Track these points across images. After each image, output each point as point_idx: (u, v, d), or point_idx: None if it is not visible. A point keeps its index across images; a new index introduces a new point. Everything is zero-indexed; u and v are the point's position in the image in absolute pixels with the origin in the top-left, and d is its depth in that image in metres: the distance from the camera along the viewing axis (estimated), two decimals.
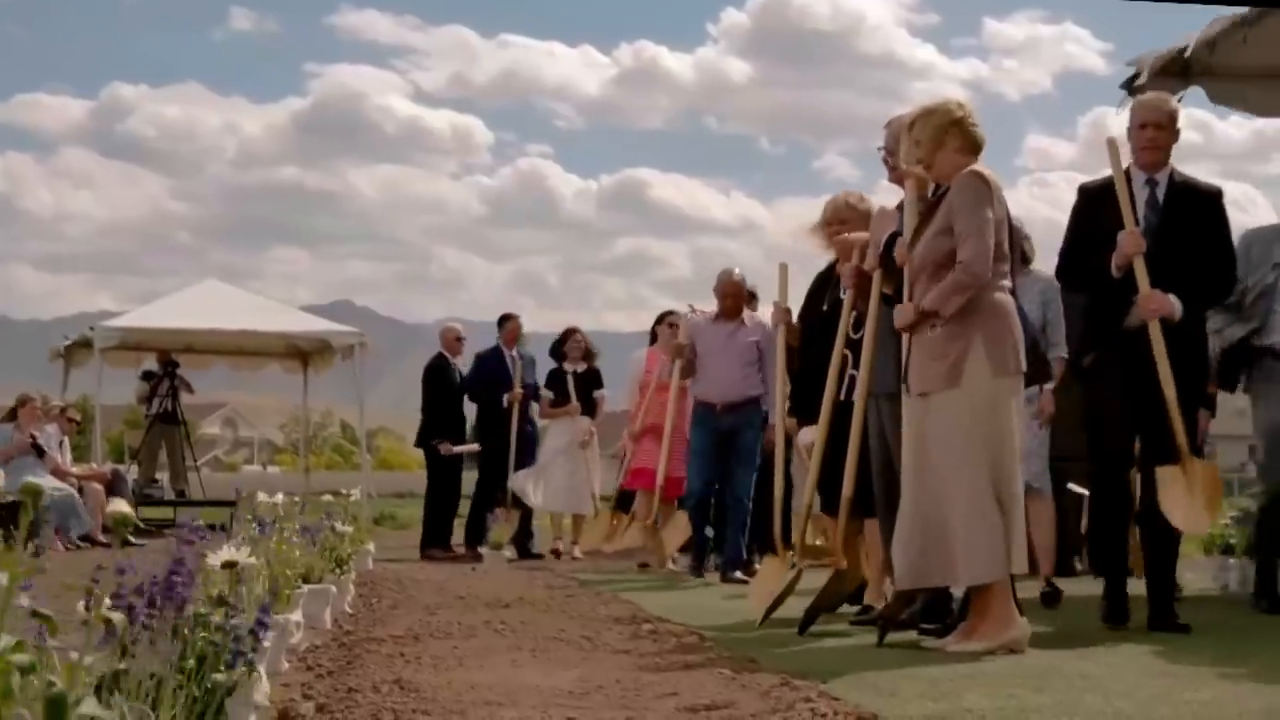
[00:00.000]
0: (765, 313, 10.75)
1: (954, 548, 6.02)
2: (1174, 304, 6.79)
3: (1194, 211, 7.01)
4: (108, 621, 2.13)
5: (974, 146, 6.31)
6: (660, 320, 12.81)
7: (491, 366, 14.54)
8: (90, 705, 1.82)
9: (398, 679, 5.38)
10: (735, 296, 11.10)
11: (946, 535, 6.06)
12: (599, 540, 12.93)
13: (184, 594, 2.72)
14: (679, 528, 11.66)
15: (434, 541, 14.57)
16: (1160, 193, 7.08)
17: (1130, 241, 6.80)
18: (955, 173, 6.27)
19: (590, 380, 14.24)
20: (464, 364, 15.10)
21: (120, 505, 2.36)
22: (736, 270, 11.26)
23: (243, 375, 25.01)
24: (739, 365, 10.94)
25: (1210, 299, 7.16)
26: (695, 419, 11.10)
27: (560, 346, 14.34)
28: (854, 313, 7.35)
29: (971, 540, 5.95)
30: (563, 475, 13.89)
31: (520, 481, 13.96)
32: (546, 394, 14.21)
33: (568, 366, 14.24)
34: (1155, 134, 7.08)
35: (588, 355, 14.29)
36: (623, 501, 12.95)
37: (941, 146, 6.29)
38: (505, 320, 14.78)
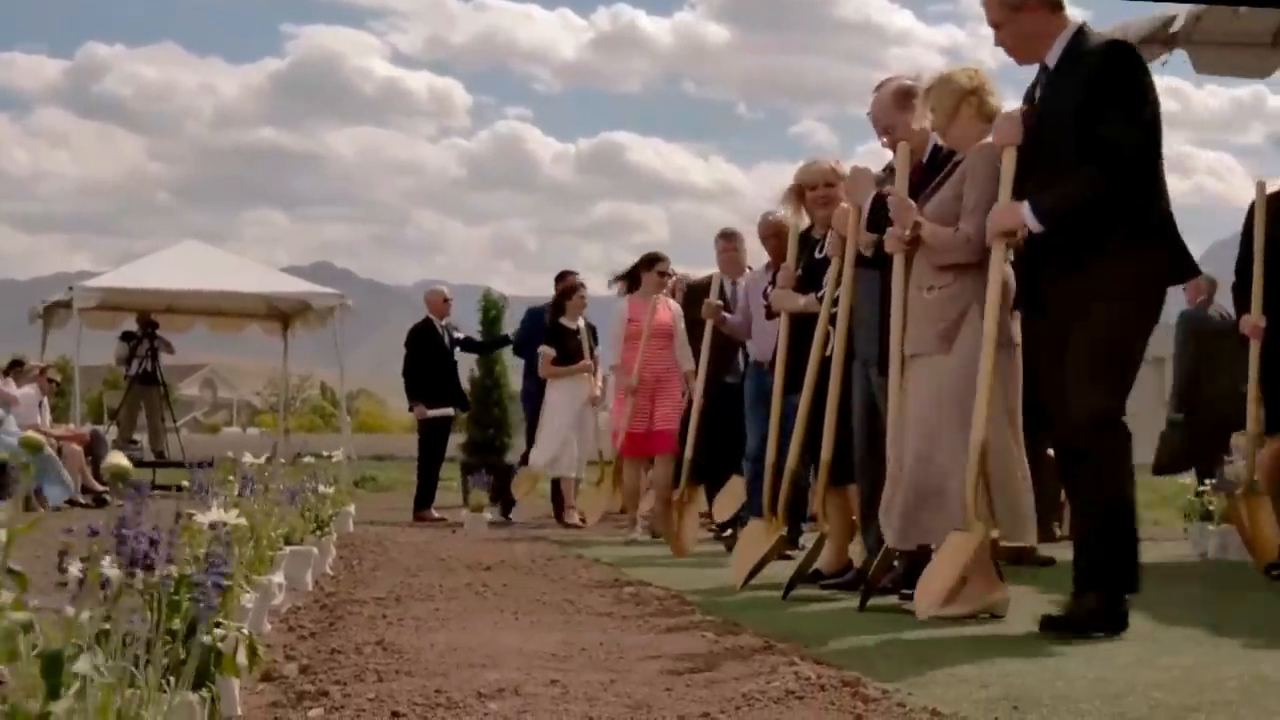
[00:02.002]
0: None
1: (939, 511, 6.02)
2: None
3: None
4: (103, 581, 2.12)
5: (989, 115, 6.26)
6: (649, 265, 11.97)
7: (543, 326, 13.84)
8: (85, 663, 1.82)
9: (380, 640, 5.38)
10: (778, 237, 10.08)
11: (932, 498, 6.06)
12: (606, 504, 12.22)
13: (165, 554, 2.70)
14: (734, 493, 11.00)
15: (426, 504, 14.59)
16: None
17: None
18: (970, 140, 6.25)
19: (590, 336, 13.56)
20: (463, 327, 15.07)
21: (117, 458, 2.34)
22: (777, 211, 9.69)
23: (222, 337, 24.95)
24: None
25: None
26: (752, 378, 9.96)
27: (563, 301, 13.53)
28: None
29: (958, 504, 5.95)
30: (571, 437, 13.16)
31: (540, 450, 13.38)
32: (548, 351, 13.38)
33: (567, 322, 13.42)
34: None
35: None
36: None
37: (956, 114, 6.25)
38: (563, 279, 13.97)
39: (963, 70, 6.41)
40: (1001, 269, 5.89)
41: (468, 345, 15.45)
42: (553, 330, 13.45)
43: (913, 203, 6.34)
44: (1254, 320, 8.07)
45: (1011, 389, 6.12)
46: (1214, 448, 10.94)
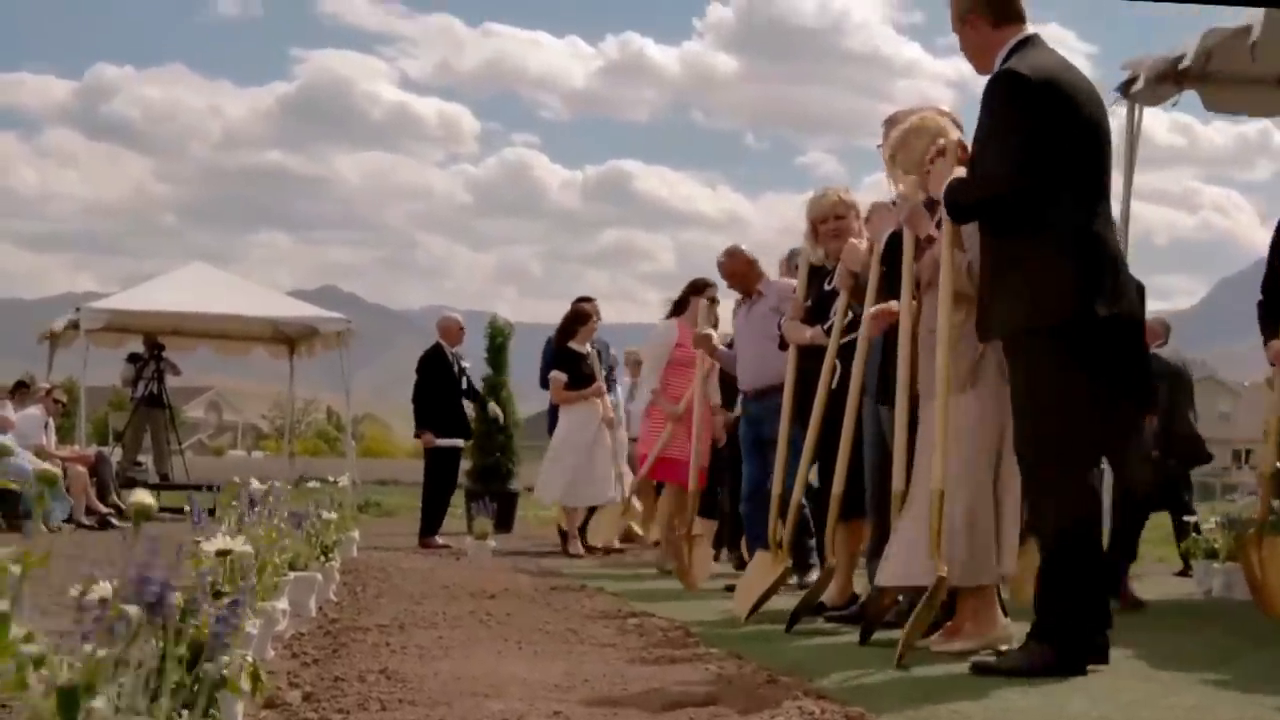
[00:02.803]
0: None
1: (950, 549, 5.95)
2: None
3: None
4: (120, 614, 2.13)
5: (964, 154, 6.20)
6: (698, 290, 11.26)
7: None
8: (102, 701, 1.82)
9: (384, 668, 5.38)
10: (734, 276, 9.77)
11: (970, 535, 6.00)
12: (614, 534, 12.07)
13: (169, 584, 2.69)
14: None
15: (432, 531, 14.51)
16: None
17: None
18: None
19: (598, 357, 13.45)
20: (470, 353, 15.05)
21: (142, 495, 2.34)
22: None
23: (228, 359, 24.97)
24: (762, 341, 9.22)
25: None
26: (744, 411, 9.78)
27: (573, 325, 13.38)
28: (849, 315, 7.35)
29: (969, 543, 5.91)
30: (587, 464, 13.03)
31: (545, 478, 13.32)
32: (559, 376, 13.28)
33: (576, 346, 13.32)
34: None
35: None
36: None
37: (932, 168, 6.17)
38: (580, 317, 13.75)
39: (925, 122, 6.37)
40: (949, 312, 5.87)
41: (469, 392, 15.33)
42: (562, 355, 13.35)
43: (925, 211, 6.32)
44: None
45: (988, 429, 6.03)
46: (1185, 486, 10.89)
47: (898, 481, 6.04)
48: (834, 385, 7.62)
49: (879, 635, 6.40)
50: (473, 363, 16.15)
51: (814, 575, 7.96)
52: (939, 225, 6.18)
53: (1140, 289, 5.71)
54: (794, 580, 8.12)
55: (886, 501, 6.47)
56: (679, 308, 11.49)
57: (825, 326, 7.74)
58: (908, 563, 6.07)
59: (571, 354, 13.26)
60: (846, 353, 7.23)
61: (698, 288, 11.29)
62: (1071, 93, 5.52)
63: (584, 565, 11.92)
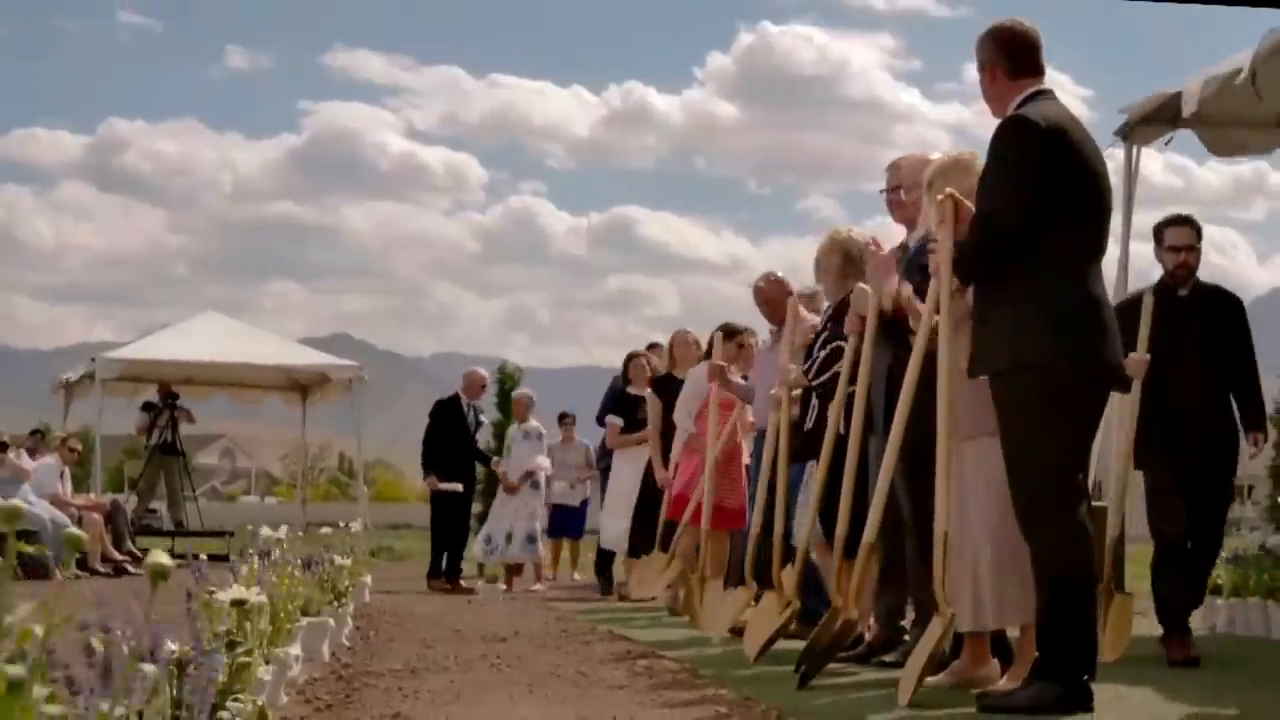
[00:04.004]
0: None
1: (984, 590, 5.90)
2: None
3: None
4: (139, 670, 2.13)
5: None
6: (729, 336, 10.91)
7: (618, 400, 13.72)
8: None
9: (396, 714, 5.37)
10: (770, 303, 9.53)
11: (981, 577, 5.95)
12: (660, 585, 11.22)
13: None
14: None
15: (436, 574, 14.61)
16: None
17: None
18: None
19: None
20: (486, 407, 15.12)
21: (159, 558, 2.35)
22: (775, 273, 9.53)
23: (242, 406, 25.00)
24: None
25: None
26: (755, 448, 9.55)
27: (625, 370, 13.40)
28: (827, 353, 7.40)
29: (1008, 583, 5.83)
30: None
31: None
32: (615, 421, 13.37)
33: (633, 390, 13.16)
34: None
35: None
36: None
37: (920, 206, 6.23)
38: (631, 359, 13.80)
39: (959, 159, 6.42)
40: (950, 357, 5.87)
41: (475, 450, 15.37)
42: (620, 400, 13.29)
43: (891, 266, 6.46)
44: None
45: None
46: None
47: (941, 523, 5.92)
48: (809, 427, 7.66)
49: (885, 674, 6.39)
50: (484, 408, 16.20)
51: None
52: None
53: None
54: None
55: (890, 540, 6.46)
56: (710, 352, 11.13)
57: (804, 367, 7.81)
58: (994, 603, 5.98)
59: (627, 398, 13.11)
60: (830, 393, 7.33)
61: (728, 334, 10.97)
62: (1078, 144, 5.60)
63: (593, 607, 11.89)
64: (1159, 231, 7.87)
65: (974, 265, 5.70)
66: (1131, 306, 7.65)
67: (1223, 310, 7.76)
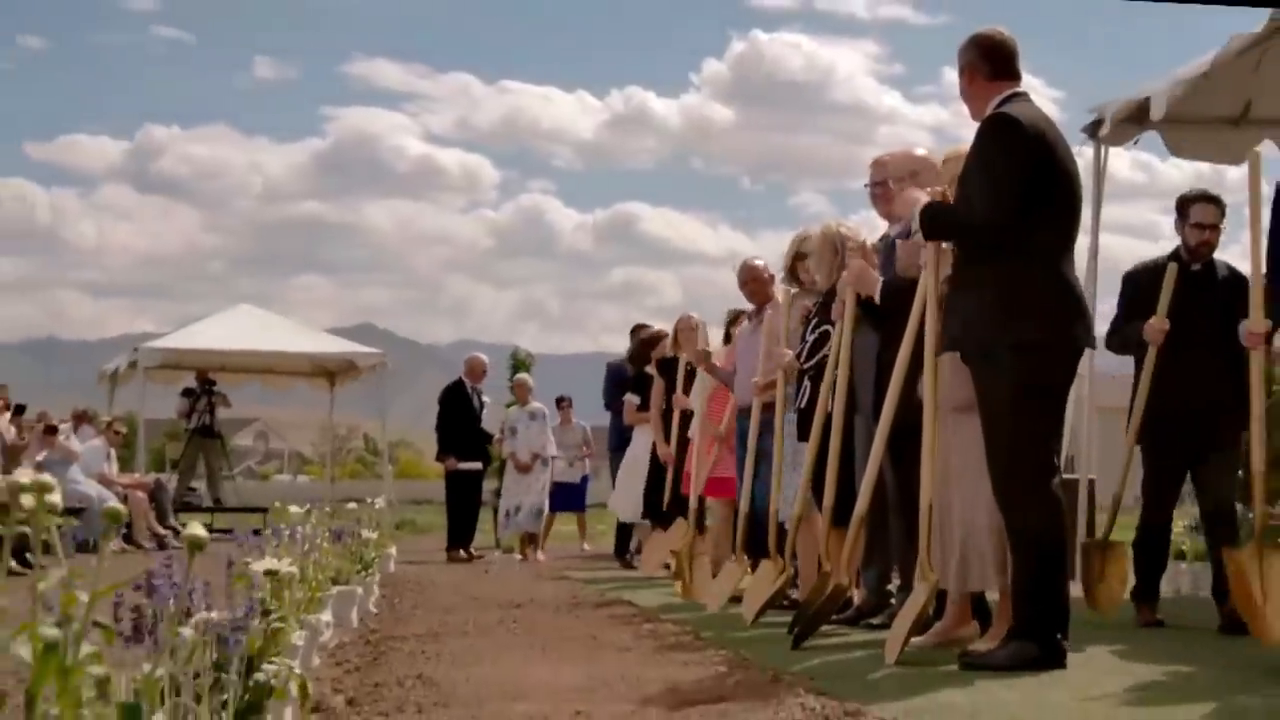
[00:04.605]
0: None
1: (970, 556, 5.90)
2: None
3: None
4: (177, 635, 2.14)
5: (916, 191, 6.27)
6: (737, 321, 10.52)
7: (621, 379, 13.78)
8: (161, 715, 1.82)
9: (420, 674, 5.37)
10: (755, 281, 9.39)
11: (966, 543, 5.94)
12: (664, 557, 11.04)
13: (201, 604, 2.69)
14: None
15: (454, 545, 14.81)
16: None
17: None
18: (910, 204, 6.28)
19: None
20: (498, 381, 15.20)
21: (196, 528, 2.36)
22: (755, 259, 9.39)
23: (274, 392, 25.00)
24: (755, 360, 8.85)
25: None
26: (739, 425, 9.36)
27: (643, 350, 12.94)
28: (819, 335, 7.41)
29: (992, 549, 5.82)
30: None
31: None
32: (632, 399, 13.15)
33: (650, 370, 12.56)
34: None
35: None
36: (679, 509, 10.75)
37: (897, 195, 6.25)
38: (637, 331, 13.73)
39: (955, 152, 6.41)
40: (936, 334, 5.86)
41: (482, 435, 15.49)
42: (637, 379, 13.10)
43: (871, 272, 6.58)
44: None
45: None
46: None
47: (926, 495, 5.90)
48: (801, 406, 7.66)
49: (873, 636, 6.39)
50: (496, 391, 16.26)
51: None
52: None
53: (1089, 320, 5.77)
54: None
55: (876, 511, 6.48)
56: (725, 338, 10.97)
57: (796, 351, 7.82)
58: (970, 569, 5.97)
59: (645, 378, 12.82)
60: (819, 374, 7.35)
61: (737, 319, 10.66)
62: (1055, 143, 5.62)
63: (602, 576, 11.89)
64: (1184, 206, 7.46)
65: (951, 235, 5.70)
66: (1150, 271, 7.50)
67: (1235, 286, 7.45)
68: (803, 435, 7.53)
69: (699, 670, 5.56)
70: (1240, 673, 5.31)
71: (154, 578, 2.40)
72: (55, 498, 1.89)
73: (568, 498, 16.04)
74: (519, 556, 14.55)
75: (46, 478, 1.95)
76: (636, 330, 13.66)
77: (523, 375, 16.39)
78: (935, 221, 5.68)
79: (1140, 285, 7.46)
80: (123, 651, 2.24)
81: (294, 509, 6.07)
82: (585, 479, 16.61)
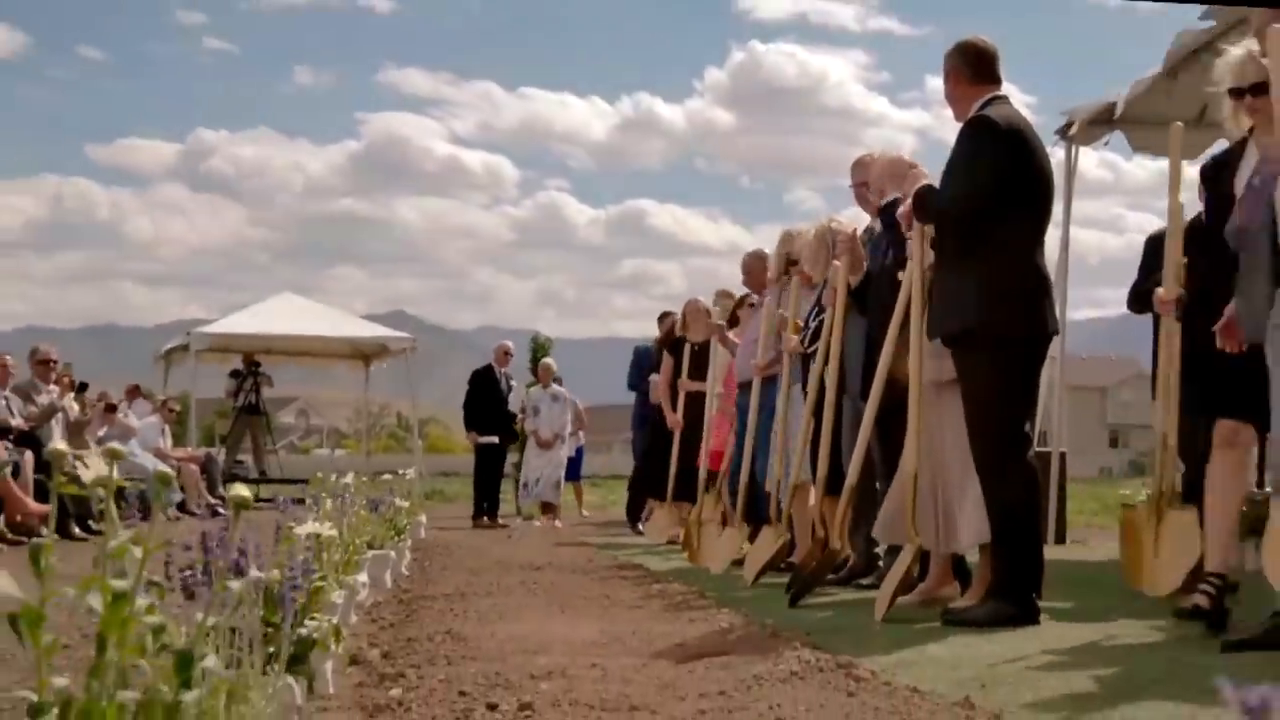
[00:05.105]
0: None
1: (951, 521, 5.90)
2: None
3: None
4: (226, 585, 2.14)
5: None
6: (740, 304, 10.37)
7: (647, 362, 13.54)
8: (212, 661, 1.82)
9: (448, 630, 5.38)
10: (753, 272, 9.53)
11: (948, 509, 5.94)
12: (670, 526, 11.01)
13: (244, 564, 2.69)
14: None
15: (479, 513, 15.02)
16: None
17: None
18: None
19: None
20: (518, 363, 15.44)
21: (241, 489, 2.37)
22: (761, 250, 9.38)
23: (313, 373, 25.05)
24: (752, 341, 8.94)
25: None
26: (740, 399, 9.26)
27: (670, 335, 12.39)
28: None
29: (975, 512, 5.81)
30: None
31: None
32: (655, 377, 12.67)
33: (693, 337, 11.82)
34: None
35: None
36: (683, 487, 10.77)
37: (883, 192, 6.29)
38: (664, 318, 13.46)
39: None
40: (920, 318, 5.84)
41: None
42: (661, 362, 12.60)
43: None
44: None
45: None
46: None
47: (910, 465, 5.89)
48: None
49: (864, 594, 6.39)
50: (517, 372, 16.38)
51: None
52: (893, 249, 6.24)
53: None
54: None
55: (864, 481, 6.49)
56: (733, 322, 10.71)
57: (800, 336, 7.81)
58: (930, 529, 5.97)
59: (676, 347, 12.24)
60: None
61: (740, 302, 10.50)
62: (1031, 143, 5.60)
63: (614, 541, 11.89)
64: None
65: (935, 220, 5.67)
66: (1160, 239, 7.30)
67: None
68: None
69: (704, 626, 5.56)
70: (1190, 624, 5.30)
71: (208, 539, 2.41)
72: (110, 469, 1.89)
73: (571, 467, 16.20)
74: (537, 523, 14.59)
75: (116, 445, 1.94)
76: (663, 317, 13.59)
77: (547, 360, 16.43)
78: (924, 207, 5.67)
79: (1159, 250, 7.35)
80: (177, 606, 2.25)
81: (336, 478, 6.07)
82: (580, 451, 16.84)
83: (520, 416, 15.52)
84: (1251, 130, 5.05)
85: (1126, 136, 10.31)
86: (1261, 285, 4.57)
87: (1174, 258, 5.82)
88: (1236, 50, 5.04)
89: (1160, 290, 5.98)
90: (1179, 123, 6.15)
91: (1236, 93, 4.99)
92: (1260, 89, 4.77)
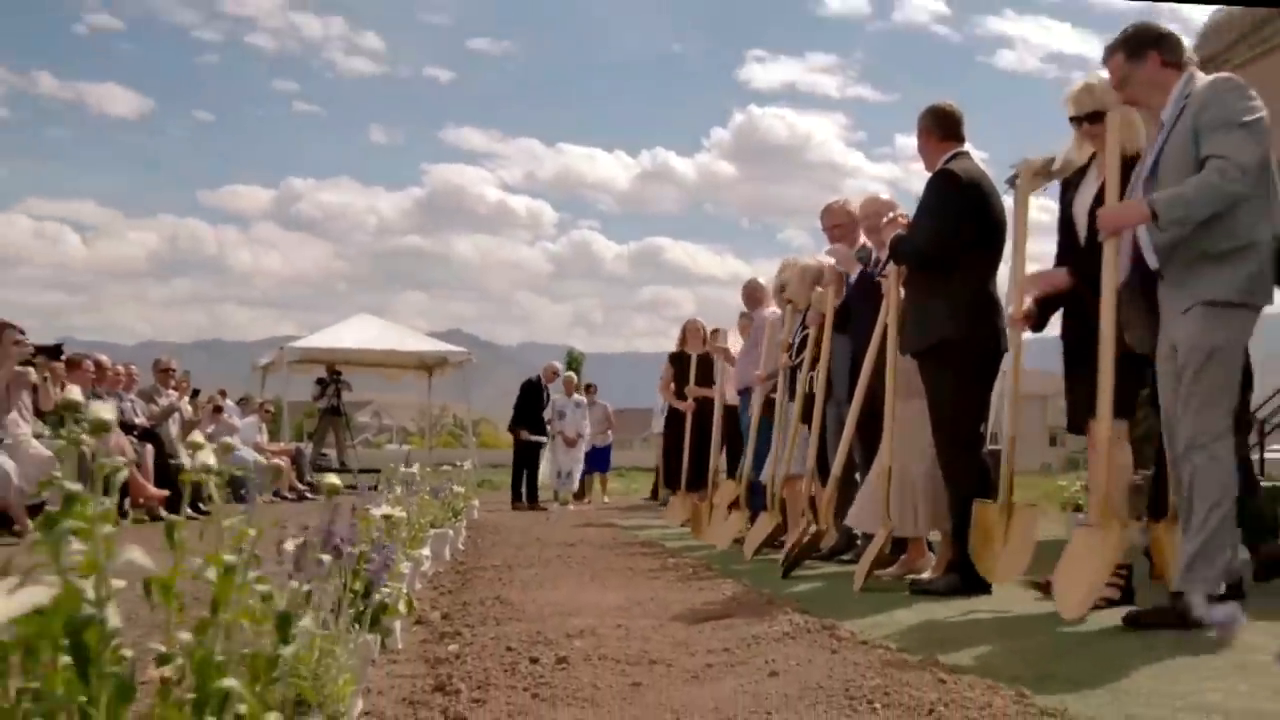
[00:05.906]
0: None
1: (919, 507, 5.88)
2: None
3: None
4: (318, 559, 2.16)
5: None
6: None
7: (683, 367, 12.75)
8: (307, 620, 1.85)
9: (498, 596, 5.39)
10: (752, 297, 9.54)
11: (917, 498, 5.93)
12: (685, 514, 10.67)
13: (349, 539, 2.72)
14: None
15: (517, 498, 15.05)
16: None
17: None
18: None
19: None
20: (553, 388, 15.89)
21: (332, 478, 2.40)
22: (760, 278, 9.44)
23: (385, 381, 25.07)
24: (749, 352, 9.04)
25: None
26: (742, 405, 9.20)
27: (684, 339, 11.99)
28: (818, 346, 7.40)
29: (935, 502, 5.80)
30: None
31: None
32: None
33: (690, 350, 11.73)
34: None
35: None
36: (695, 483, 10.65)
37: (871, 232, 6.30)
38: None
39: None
40: (896, 339, 5.84)
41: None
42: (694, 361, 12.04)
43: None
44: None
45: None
46: None
47: (885, 460, 5.88)
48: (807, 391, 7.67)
49: (844, 569, 6.39)
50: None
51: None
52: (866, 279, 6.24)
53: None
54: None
55: (849, 474, 6.51)
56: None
57: (789, 354, 7.82)
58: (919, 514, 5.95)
59: (681, 358, 12.03)
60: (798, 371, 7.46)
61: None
62: (988, 192, 5.59)
63: (636, 523, 11.89)
64: None
65: (908, 260, 5.68)
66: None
67: None
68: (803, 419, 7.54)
69: (711, 593, 5.57)
70: (1144, 591, 5.28)
71: (322, 525, 2.43)
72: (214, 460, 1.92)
73: (600, 460, 16.94)
74: (571, 507, 14.63)
75: (228, 439, 1.97)
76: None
77: (570, 373, 16.62)
78: (899, 250, 5.68)
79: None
80: (276, 576, 2.27)
81: (404, 468, 6.09)
82: (609, 447, 17.38)
83: (548, 419, 15.71)
84: (1093, 157, 5.01)
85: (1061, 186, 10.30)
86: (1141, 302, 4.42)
87: (1018, 279, 5.70)
88: (1078, 81, 5.02)
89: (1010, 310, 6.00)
90: (1028, 157, 5.94)
91: (1075, 121, 4.97)
92: (1096, 117, 4.75)
